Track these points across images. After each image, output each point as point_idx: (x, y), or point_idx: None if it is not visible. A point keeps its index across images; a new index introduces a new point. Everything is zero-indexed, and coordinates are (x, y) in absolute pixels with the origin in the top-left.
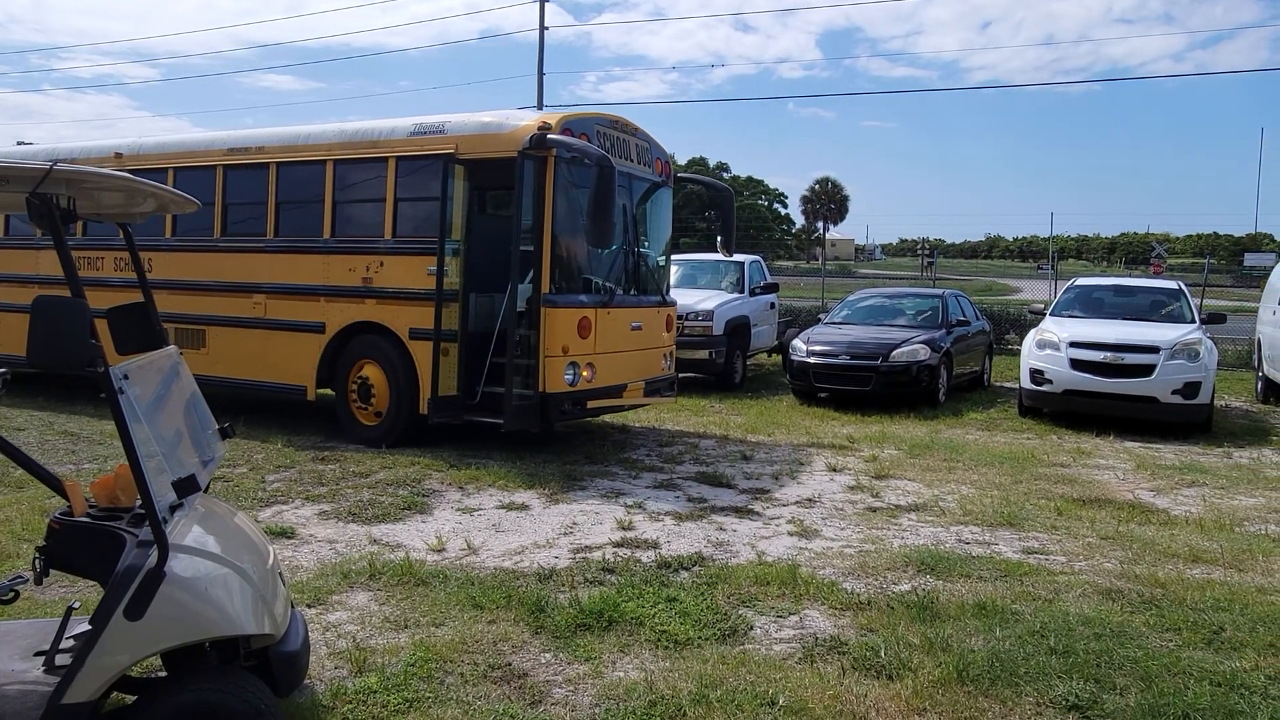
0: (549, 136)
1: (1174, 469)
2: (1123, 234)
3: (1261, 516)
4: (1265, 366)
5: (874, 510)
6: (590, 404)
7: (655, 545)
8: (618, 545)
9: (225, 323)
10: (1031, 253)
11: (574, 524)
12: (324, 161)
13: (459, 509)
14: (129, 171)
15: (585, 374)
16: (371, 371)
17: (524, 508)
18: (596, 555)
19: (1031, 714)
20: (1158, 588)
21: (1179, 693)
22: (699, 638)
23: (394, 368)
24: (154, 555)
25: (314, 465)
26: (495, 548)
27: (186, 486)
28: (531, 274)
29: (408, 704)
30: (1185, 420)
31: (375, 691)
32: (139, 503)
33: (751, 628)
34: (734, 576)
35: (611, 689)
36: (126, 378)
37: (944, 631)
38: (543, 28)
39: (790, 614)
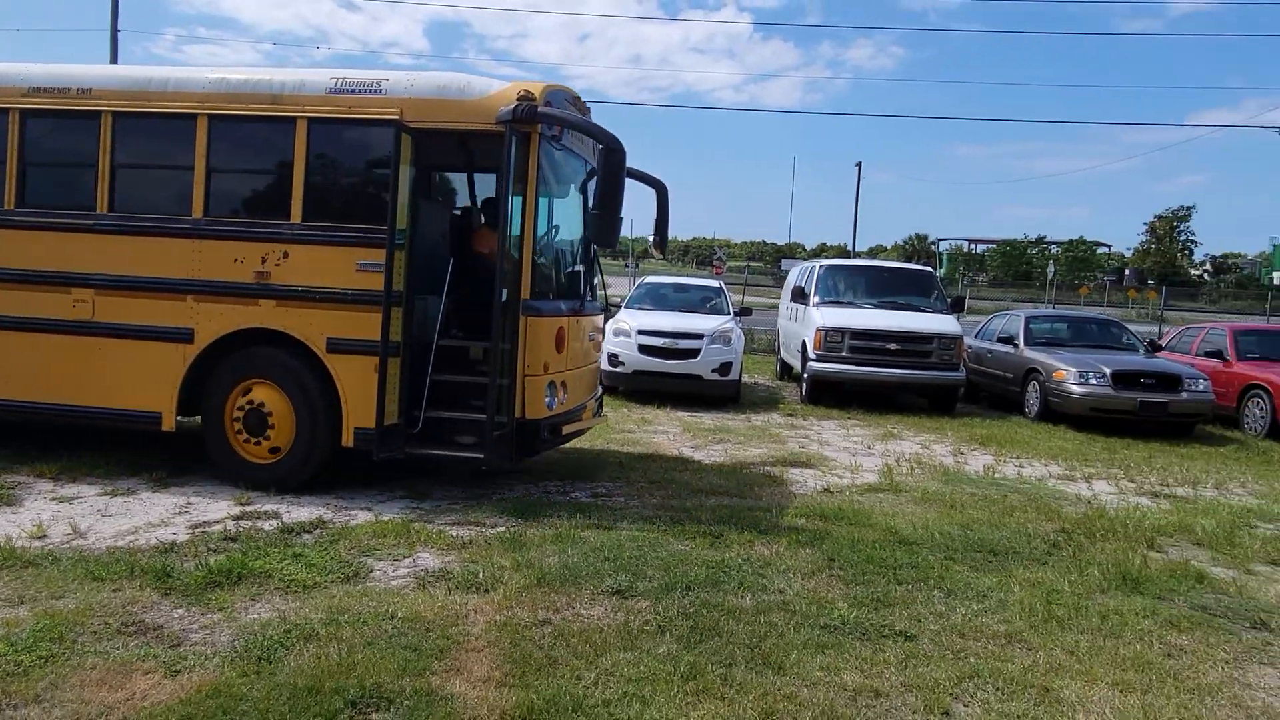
0: (540, 110)
1: (709, 430)
2: (695, 238)
3: (762, 460)
4: (781, 352)
5: (477, 475)
6: (564, 429)
7: (276, 515)
8: (238, 518)
9: (21, 326)
10: (620, 253)
11: (189, 504)
12: (194, 116)
13: (54, 498)
14: None
15: (560, 395)
16: (267, 395)
17: (131, 493)
18: (217, 528)
19: (589, 598)
20: (684, 513)
21: (686, 574)
22: (325, 581)
23: (303, 390)
24: None
25: None
26: (105, 530)
27: None
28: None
29: (44, 660)
30: (721, 393)
31: (5, 654)
32: None
33: (372, 571)
34: (354, 534)
35: (248, 626)
36: None
37: (529, 555)
38: None
39: (405, 557)
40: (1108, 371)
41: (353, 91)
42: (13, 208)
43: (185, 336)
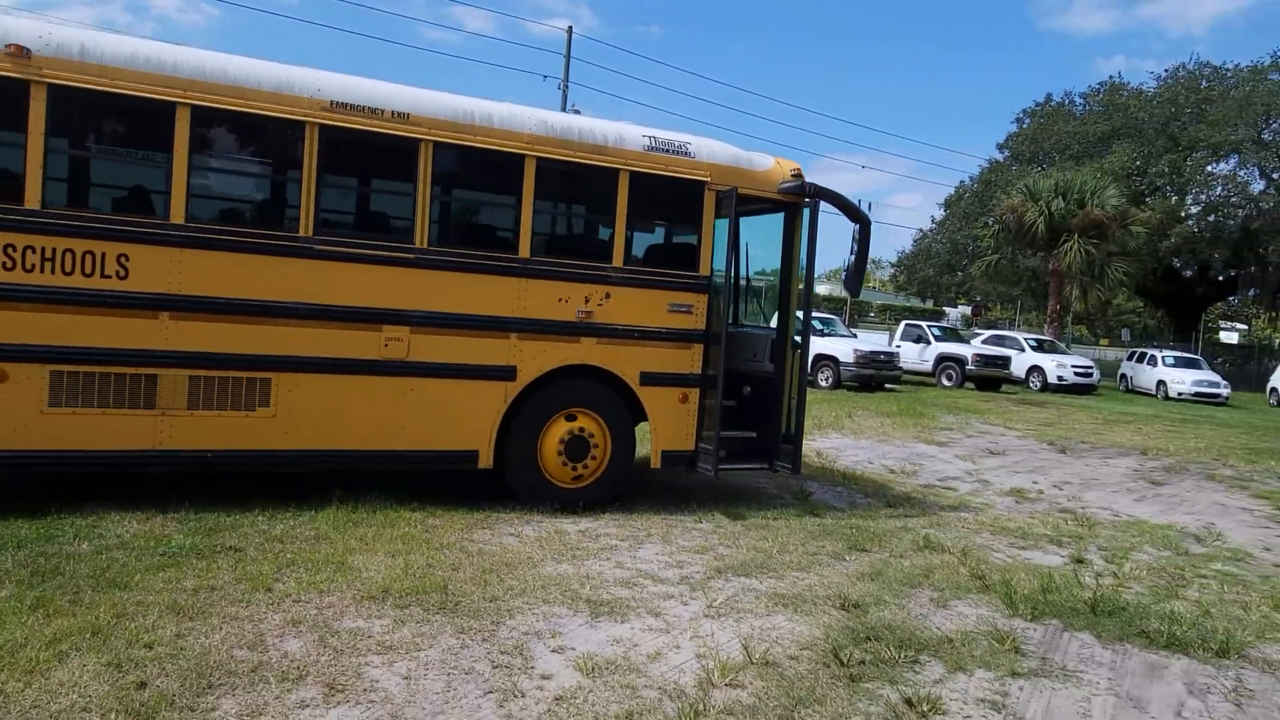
0: (815, 185)
1: None
2: None
3: None
4: None
5: None
6: None
7: None
8: None
9: (319, 367)
10: None
11: None
12: (523, 157)
13: None
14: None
15: None
16: (588, 424)
17: None
18: None
19: None
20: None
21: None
22: None
23: (620, 419)
24: None
25: None
26: None
27: None
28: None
29: None
30: None
31: None
32: None
33: None
34: None
35: None
36: None
37: None
38: None
39: None
40: None
41: (666, 151)
42: (311, 235)
43: (508, 374)
